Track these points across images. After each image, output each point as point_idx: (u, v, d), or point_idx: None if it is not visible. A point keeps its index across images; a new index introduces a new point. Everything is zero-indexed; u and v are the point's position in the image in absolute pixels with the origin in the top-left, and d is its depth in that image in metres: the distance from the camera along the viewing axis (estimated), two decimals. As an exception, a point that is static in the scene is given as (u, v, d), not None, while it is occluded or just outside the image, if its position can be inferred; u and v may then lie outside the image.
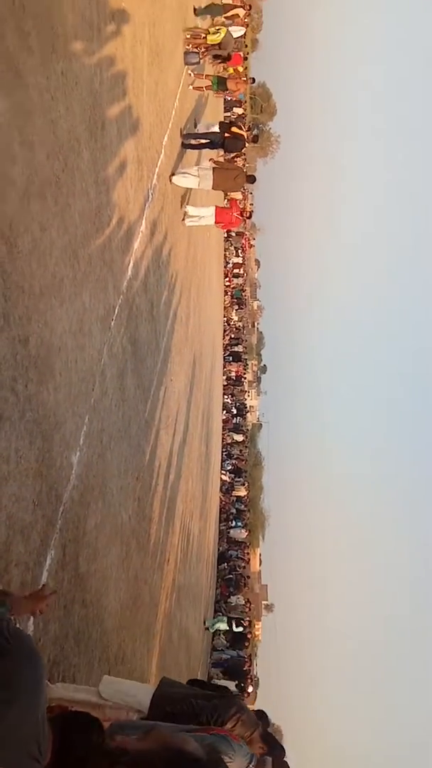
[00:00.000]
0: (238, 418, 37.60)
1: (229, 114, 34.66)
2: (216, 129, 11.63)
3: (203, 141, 10.15)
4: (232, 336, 39.40)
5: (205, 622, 16.00)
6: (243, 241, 44.00)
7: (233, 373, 37.73)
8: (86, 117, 3.96)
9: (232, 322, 40.61)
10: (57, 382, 3.29)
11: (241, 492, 32.02)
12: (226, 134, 10.11)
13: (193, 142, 9.84)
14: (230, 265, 41.28)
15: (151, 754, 1.32)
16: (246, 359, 42.99)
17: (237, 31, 13.99)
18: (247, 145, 11.48)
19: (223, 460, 31.62)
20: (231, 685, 13.53)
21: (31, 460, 2.88)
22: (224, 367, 36.18)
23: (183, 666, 9.71)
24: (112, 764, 1.33)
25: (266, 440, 77.29)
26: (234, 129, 11.28)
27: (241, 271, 43.71)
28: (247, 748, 2.81)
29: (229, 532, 27.62)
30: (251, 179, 9.93)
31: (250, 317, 62.42)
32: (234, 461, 33.37)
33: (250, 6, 19.39)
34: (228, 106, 34.22)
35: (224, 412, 35.04)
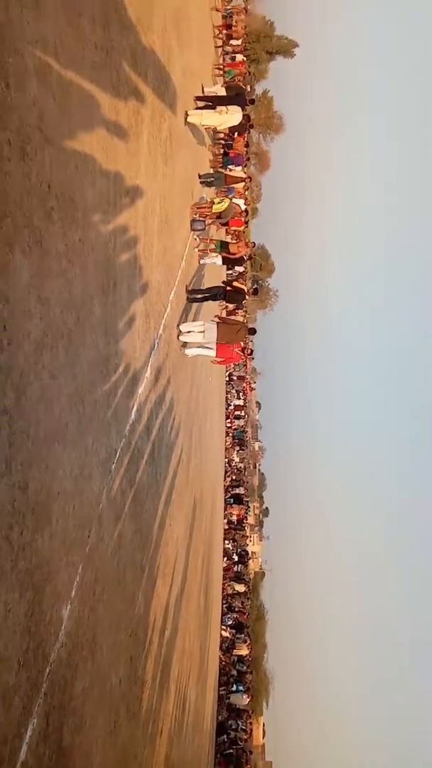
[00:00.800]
0: (240, 565, 35.87)
1: (231, 272, 37.62)
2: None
3: (207, 294, 10.91)
4: (234, 477, 39.05)
5: None
6: (244, 384, 45.43)
7: (234, 517, 36.74)
8: (100, 277, 4.31)
9: (233, 463, 40.49)
10: (53, 528, 3.21)
11: (243, 651, 29.49)
12: (228, 288, 10.89)
13: (198, 296, 10.58)
14: (231, 407, 42.22)
15: None
16: (248, 501, 42.12)
17: (238, 201, 15.72)
18: (247, 297, 12.32)
19: (223, 614, 29.60)
20: None
21: (20, 614, 2.71)
22: (225, 510, 35.35)
23: None
24: None
25: (269, 590, 73.22)
26: (235, 283, 12.21)
27: (242, 413, 44.55)
28: None
29: (228, 698, 25.03)
30: (252, 331, 10.52)
31: (251, 458, 62.38)
32: (235, 614, 31.20)
33: (250, 178, 21.95)
34: (230, 265, 37.19)
35: (225, 558, 33.53)
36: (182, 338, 9.26)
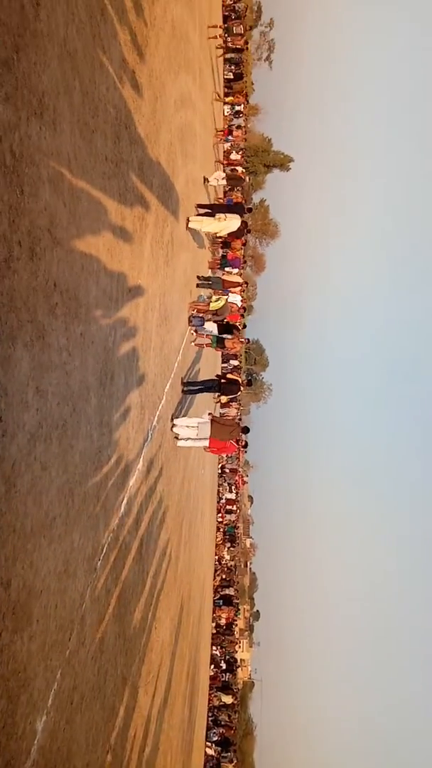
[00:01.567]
0: (228, 674, 33.54)
1: (226, 365, 38.35)
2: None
3: (202, 387, 11.04)
4: (224, 577, 37.50)
5: None
6: (236, 477, 44.83)
7: (223, 620, 34.87)
8: (98, 369, 4.38)
9: (223, 561, 39.05)
10: (33, 630, 3.04)
11: (229, 772, 26.95)
12: (223, 380, 11.05)
13: (193, 388, 10.70)
14: (223, 501, 41.38)
15: None
16: (237, 603, 40.22)
17: (235, 298, 16.33)
18: (242, 389, 12.47)
19: (208, 728, 27.30)
20: None
21: (-11, 728, 2.51)
22: (214, 612, 33.63)
23: None
24: None
25: (259, 702, 68.15)
26: (229, 375, 12.42)
27: (234, 507, 43.61)
28: None
29: None
30: (246, 430, 10.55)
31: (242, 556, 60.30)
32: (221, 729, 28.79)
33: (246, 283, 22.98)
34: (225, 358, 37.99)
35: (212, 666, 31.41)
36: (175, 430, 9.28)
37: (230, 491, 43.01)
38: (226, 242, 19.53)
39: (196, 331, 12.76)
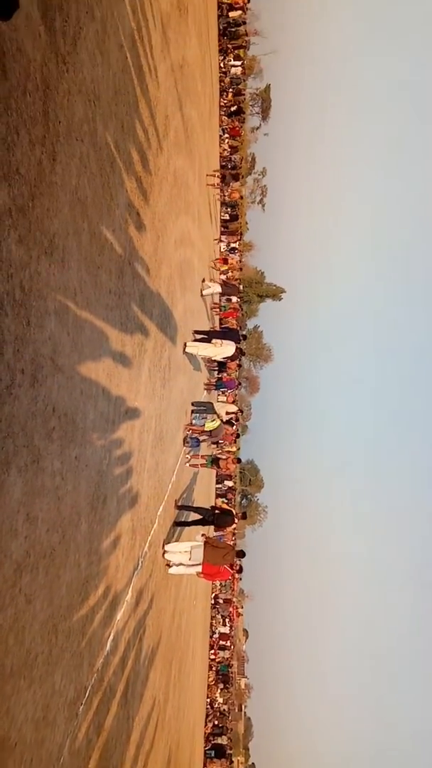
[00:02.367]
0: None
1: (220, 485, 37.79)
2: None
3: (197, 517, 10.81)
4: (216, 723, 34.02)
5: None
6: (231, 609, 42.28)
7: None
8: (90, 493, 4.31)
9: (216, 704, 35.63)
10: (2, 793, 2.70)
11: None
12: (216, 510, 10.84)
13: (187, 519, 10.49)
14: (216, 635, 38.62)
15: None
16: (231, 755, 36.16)
17: (230, 407, 16.49)
18: (236, 521, 12.18)
19: None
20: None
21: None
22: (204, 765, 30.11)
23: None
24: None
25: None
26: (223, 506, 12.22)
27: (228, 643, 40.63)
28: None
29: None
30: (241, 554, 10.18)
31: (236, 698, 55.18)
32: None
33: (242, 411, 23.44)
34: (220, 479, 37.54)
35: None
36: (167, 557, 8.92)
37: (224, 624, 40.33)
38: (222, 364, 20.15)
39: (190, 453, 12.77)
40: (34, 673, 3.12)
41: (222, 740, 33.38)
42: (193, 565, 9.42)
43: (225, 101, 34.30)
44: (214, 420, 13.10)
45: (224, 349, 13.09)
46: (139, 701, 6.96)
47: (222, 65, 32.85)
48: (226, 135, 34.97)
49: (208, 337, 13.37)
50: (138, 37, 5.92)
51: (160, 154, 8.09)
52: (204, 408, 13.60)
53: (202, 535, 9.78)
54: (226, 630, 39.92)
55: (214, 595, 39.52)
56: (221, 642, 38.65)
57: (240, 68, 34.96)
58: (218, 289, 18.66)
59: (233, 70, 34.21)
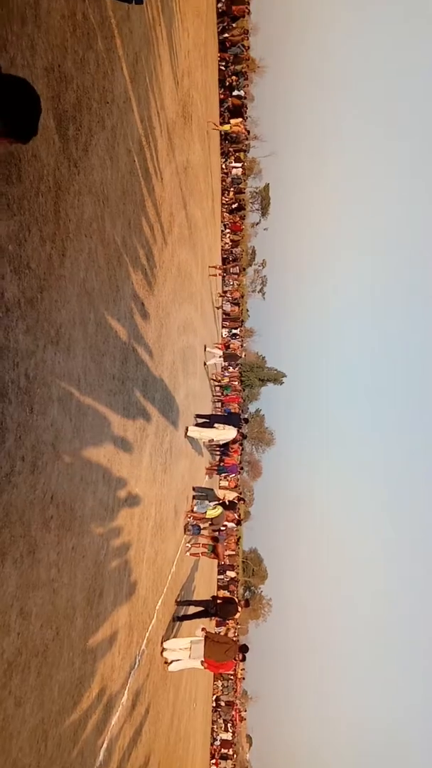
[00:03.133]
0: None
1: (222, 576, 36.41)
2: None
3: (198, 609, 10.35)
4: None
5: None
6: (233, 712, 39.42)
7: None
8: (87, 586, 4.14)
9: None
10: None
11: None
12: (219, 601, 10.39)
13: (187, 613, 10.05)
14: (218, 742, 35.70)
15: None
16: None
17: (230, 494, 16.17)
18: (240, 610, 11.62)
19: None
20: None
21: None
22: None
23: None
24: None
25: None
26: (225, 595, 11.71)
27: (231, 752, 37.48)
28: None
29: None
30: (244, 649, 9.63)
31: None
32: None
33: (244, 500, 23.07)
34: (221, 569, 36.21)
35: None
36: (166, 654, 8.44)
37: (226, 730, 37.44)
38: (225, 446, 20.04)
39: (191, 541, 12.42)
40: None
41: None
42: (194, 660, 8.91)
43: (227, 199, 36.51)
44: (215, 508, 12.86)
45: (226, 433, 13.09)
46: None
47: (224, 166, 35.20)
48: (228, 230, 36.91)
49: (210, 421, 13.39)
50: (145, 142, 6.39)
51: (165, 248, 8.48)
52: (205, 494, 13.40)
53: (203, 629, 9.29)
54: (228, 736, 36.97)
55: (215, 697, 37.03)
56: (223, 750, 35.63)
57: (240, 169, 37.47)
58: (220, 353, 18.97)
59: (234, 170, 36.64)
